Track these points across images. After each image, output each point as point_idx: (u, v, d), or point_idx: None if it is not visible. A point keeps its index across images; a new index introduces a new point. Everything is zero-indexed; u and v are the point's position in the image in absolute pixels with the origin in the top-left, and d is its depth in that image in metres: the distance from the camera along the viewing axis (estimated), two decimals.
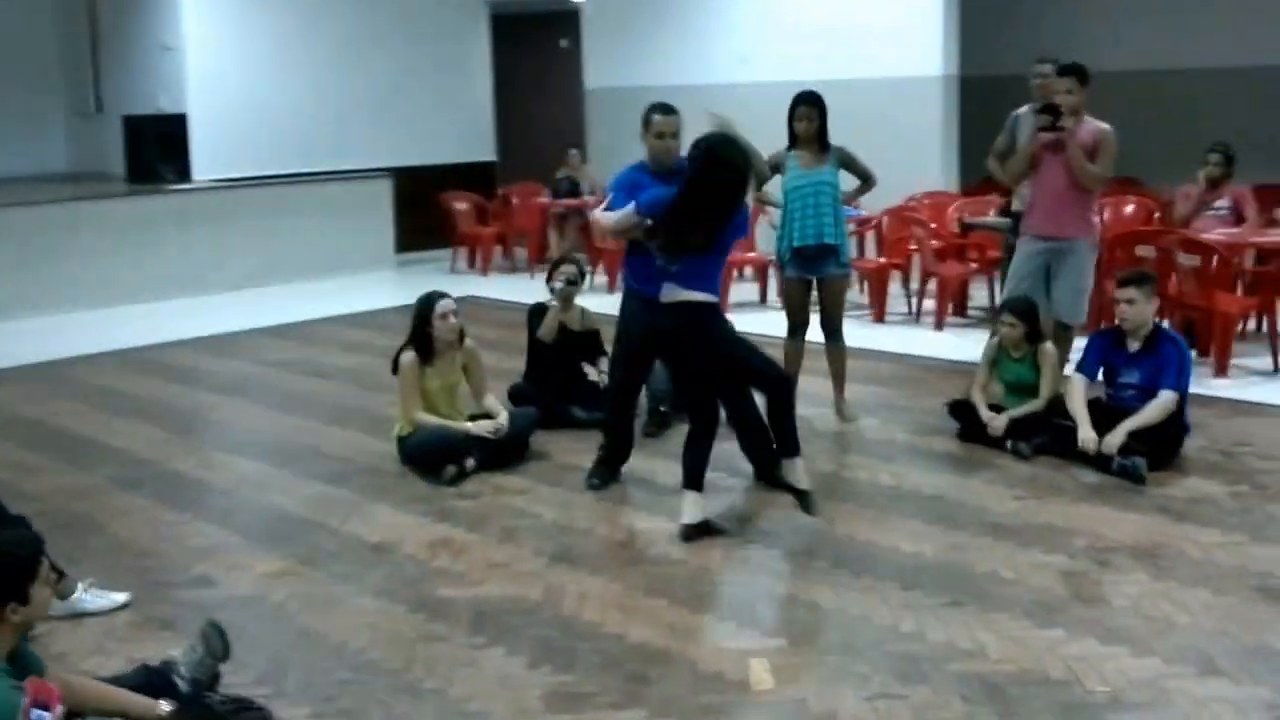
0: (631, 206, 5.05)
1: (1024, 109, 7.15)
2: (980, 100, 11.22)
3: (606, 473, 5.70)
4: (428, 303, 6.06)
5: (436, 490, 5.73)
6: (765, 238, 9.14)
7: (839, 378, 6.80)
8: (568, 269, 6.95)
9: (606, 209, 5.31)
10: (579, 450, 6.25)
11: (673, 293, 4.90)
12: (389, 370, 6.13)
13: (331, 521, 5.36)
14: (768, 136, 11.53)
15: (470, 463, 5.91)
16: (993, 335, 6.70)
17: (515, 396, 6.62)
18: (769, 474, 5.47)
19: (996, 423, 6.02)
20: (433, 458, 5.91)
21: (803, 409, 5.70)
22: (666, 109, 5.36)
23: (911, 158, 10.71)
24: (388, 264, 13.10)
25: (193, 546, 5.11)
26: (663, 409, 6.63)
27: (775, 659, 3.95)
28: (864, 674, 3.83)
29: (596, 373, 6.94)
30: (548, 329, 6.78)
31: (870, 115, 10.92)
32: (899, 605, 4.33)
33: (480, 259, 12.84)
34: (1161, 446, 5.65)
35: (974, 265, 9.24)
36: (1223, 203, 8.47)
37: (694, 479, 5.06)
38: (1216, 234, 7.88)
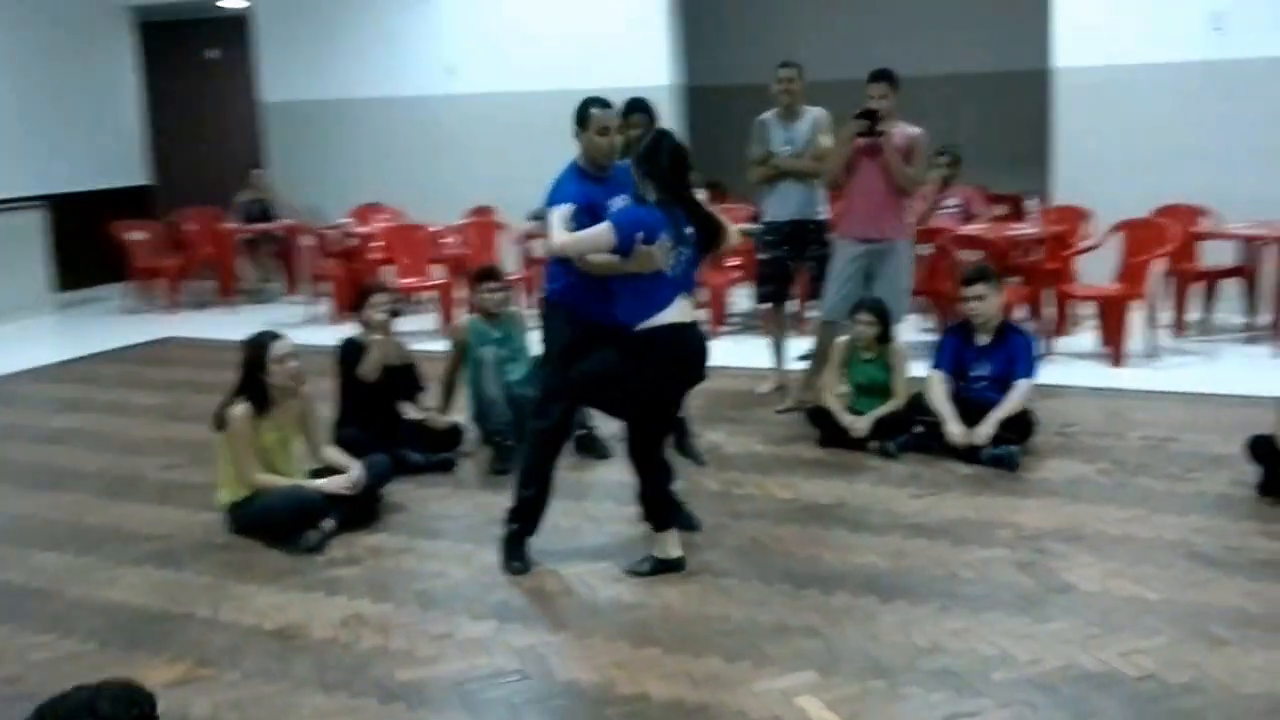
0: (608, 228, 4.48)
1: (769, 114, 7.20)
2: (708, 109, 11.43)
3: (523, 549, 4.85)
4: (261, 344, 5.31)
5: (302, 561, 5.01)
6: None
7: None
8: (382, 297, 6.34)
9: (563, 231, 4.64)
10: (433, 497, 5.75)
11: (683, 310, 4.54)
12: (138, 427, 5.38)
13: (201, 611, 4.55)
14: (477, 153, 11.38)
15: (329, 524, 5.23)
16: (816, 341, 6.77)
17: (348, 445, 5.93)
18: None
19: (860, 424, 6.05)
20: (285, 524, 5.17)
21: None
22: (604, 103, 4.87)
23: None
24: (45, 306, 11.56)
25: (40, 661, 4.17)
26: (508, 443, 6.17)
27: (819, 694, 3.70)
28: (920, 695, 3.68)
29: (418, 410, 6.39)
30: (373, 365, 6.14)
31: None
32: (895, 620, 4.20)
33: (163, 294, 11.56)
34: (1020, 434, 5.87)
35: (737, 273, 9.30)
36: (953, 202, 9.01)
37: (670, 514, 4.75)
38: (967, 229, 8.35)
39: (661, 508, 4.71)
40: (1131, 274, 7.74)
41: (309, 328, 9.69)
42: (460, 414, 6.53)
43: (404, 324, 6.90)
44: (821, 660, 3.93)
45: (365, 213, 11.22)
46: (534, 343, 6.73)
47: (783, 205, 7.09)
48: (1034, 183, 9.91)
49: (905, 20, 11.84)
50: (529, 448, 4.90)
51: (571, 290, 4.75)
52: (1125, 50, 9.06)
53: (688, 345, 4.57)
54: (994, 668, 3.83)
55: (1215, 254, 8.55)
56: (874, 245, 6.58)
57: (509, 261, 10.31)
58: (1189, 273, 8.27)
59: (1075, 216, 8.66)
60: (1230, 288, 8.61)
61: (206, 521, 5.48)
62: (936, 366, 6.14)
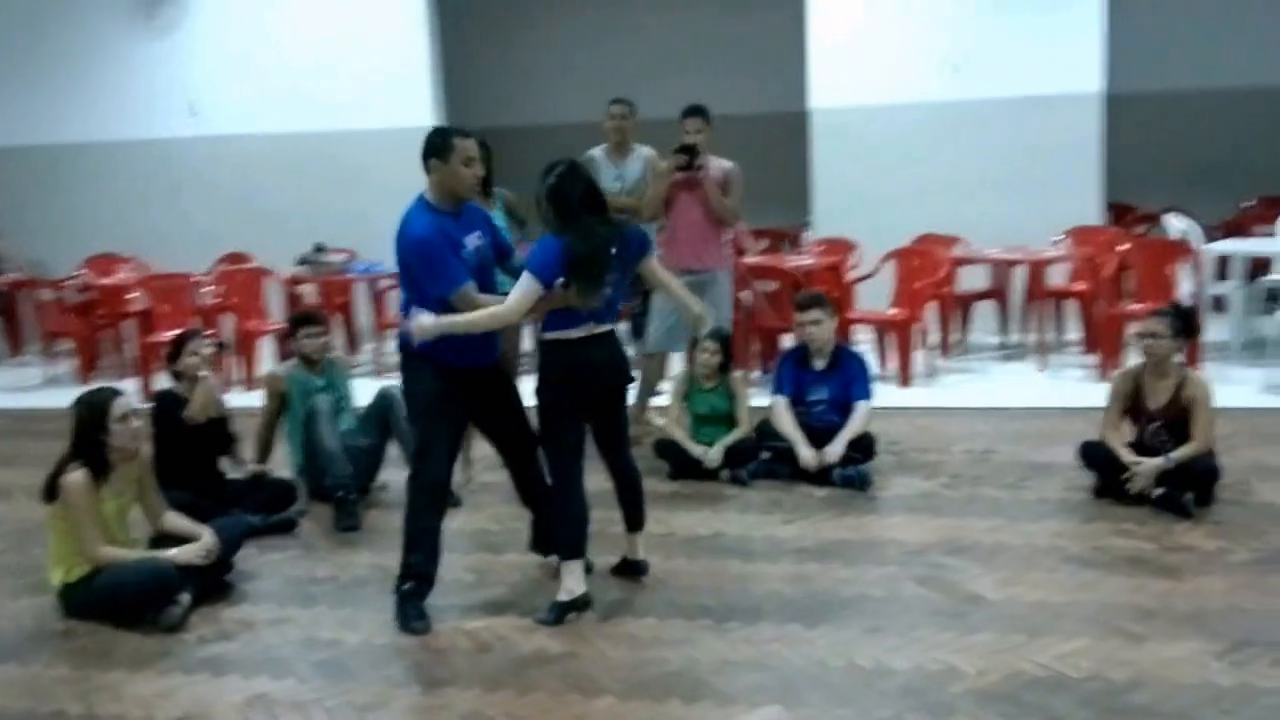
0: (531, 282, 4.31)
1: (597, 150, 7.22)
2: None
3: (421, 608, 4.53)
4: (101, 403, 4.75)
5: (167, 641, 4.50)
6: None
7: None
8: (199, 343, 5.85)
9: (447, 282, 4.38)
10: (285, 561, 5.34)
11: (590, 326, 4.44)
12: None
13: (72, 708, 4.00)
14: (224, 197, 10.69)
15: (185, 599, 4.73)
16: (641, 374, 6.76)
17: (181, 509, 5.38)
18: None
19: (713, 455, 6.08)
20: (139, 601, 4.64)
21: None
22: (465, 131, 4.59)
23: (404, 207, 10.38)
24: None
25: None
26: (351, 496, 5.81)
27: None
28: (896, 718, 3.71)
29: (236, 467, 5.92)
30: (201, 406, 5.65)
31: (359, 167, 10.51)
32: (829, 644, 4.21)
33: None
34: (864, 453, 6.08)
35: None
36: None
37: (582, 546, 4.55)
38: (759, 260, 8.61)
39: (575, 534, 4.54)
40: (910, 299, 8.20)
41: (50, 390, 8.81)
42: (281, 470, 6.11)
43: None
44: (778, 693, 3.89)
45: (105, 264, 10.31)
46: (357, 390, 6.50)
47: None
48: (798, 218, 10.36)
49: (666, 65, 12.15)
50: (412, 508, 4.60)
51: (443, 342, 4.46)
52: (873, 92, 9.64)
53: (589, 356, 4.47)
54: (948, 682, 3.91)
55: (968, 279, 9.21)
56: (696, 276, 6.63)
57: (275, 309, 9.79)
58: (950, 297, 8.85)
59: (843, 248, 9.09)
60: (983, 309, 9.29)
61: (30, 607, 4.86)
62: (777, 392, 6.27)
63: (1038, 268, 8.39)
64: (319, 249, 9.73)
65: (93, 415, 4.73)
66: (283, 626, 4.61)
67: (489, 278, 4.58)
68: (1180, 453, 5.43)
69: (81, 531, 4.67)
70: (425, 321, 4.34)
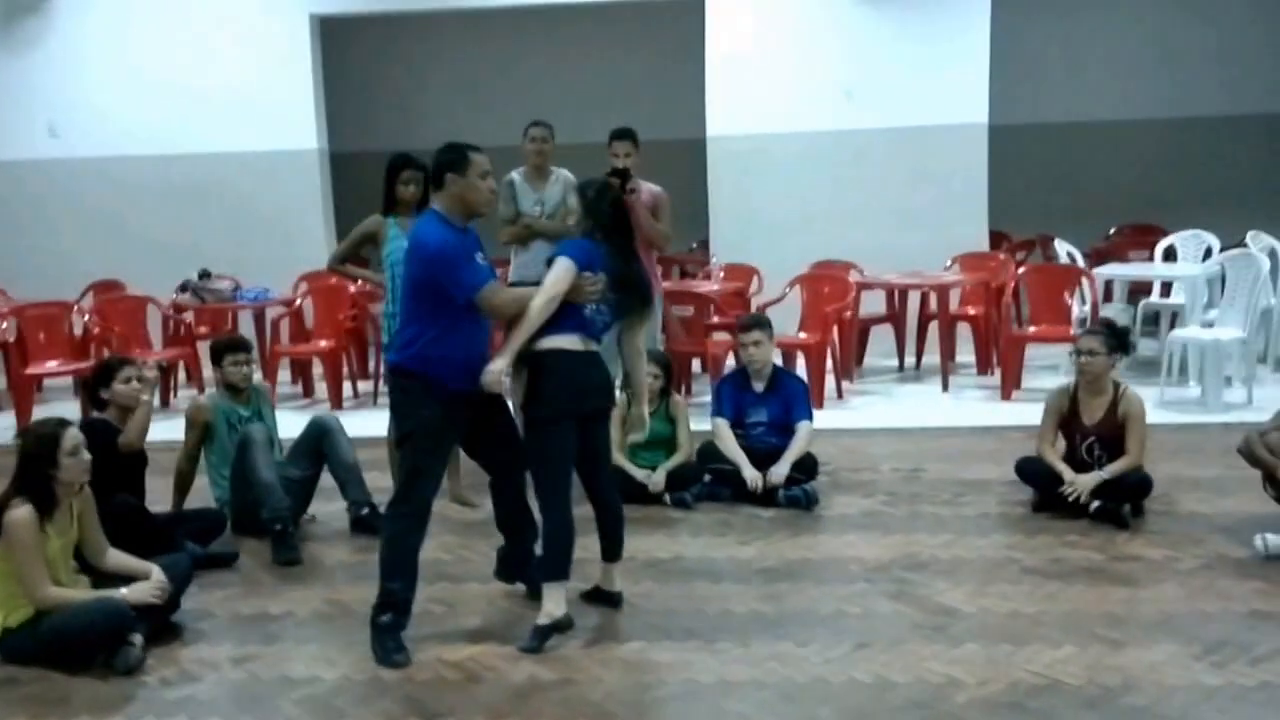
0: (569, 264, 4.36)
1: (515, 174, 7.14)
2: (354, 174, 10.99)
3: (400, 639, 4.39)
4: (53, 435, 4.45)
5: (125, 685, 4.23)
6: None
7: (457, 461, 6.28)
8: (131, 370, 5.53)
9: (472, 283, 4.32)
10: (231, 597, 5.08)
11: (576, 341, 4.43)
12: None
13: None
14: (90, 223, 10.15)
15: (138, 639, 4.45)
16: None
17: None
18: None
19: (658, 479, 6.05)
20: (91, 643, 4.35)
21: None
22: (476, 147, 4.49)
23: (290, 232, 10.11)
24: None
25: None
26: (290, 529, 5.58)
27: None
28: None
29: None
30: (139, 431, 5.35)
31: (238, 192, 10.17)
32: (825, 662, 4.23)
33: None
34: (808, 473, 6.14)
35: None
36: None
37: (566, 568, 4.46)
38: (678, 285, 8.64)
39: (559, 555, 4.44)
40: (819, 323, 8.34)
41: None
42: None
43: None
44: (790, 711, 3.89)
45: None
46: (278, 420, 6.26)
47: (531, 267, 6.91)
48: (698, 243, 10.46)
49: (566, 90, 12.11)
50: (391, 536, 4.45)
51: (429, 360, 4.36)
52: (768, 119, 9.80)
53: (575, 371, 4.42)
54: (951, 693, 3.96)
55: (864, 304, 9.41)
56: None
57: (155, 338, 9.37)
58: (852, 321, 9.04)
59: (747, 273, 9.21)
60: (880, 333, 9.51)
61: None
62: (717, 414, 6.28)
63: (941, 292, 8.64)
64: (204, 275, 9.36)
65: (41, 448, 4.43)
66: (249, 665, 4.38)
67: None
68: (1116, 466, 5.64)
69: (26, 572, 4.35)
70: (494, 367, 4.32)
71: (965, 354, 9.19)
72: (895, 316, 9.36)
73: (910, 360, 9.37)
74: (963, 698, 3.93)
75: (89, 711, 4.04)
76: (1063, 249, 9.32)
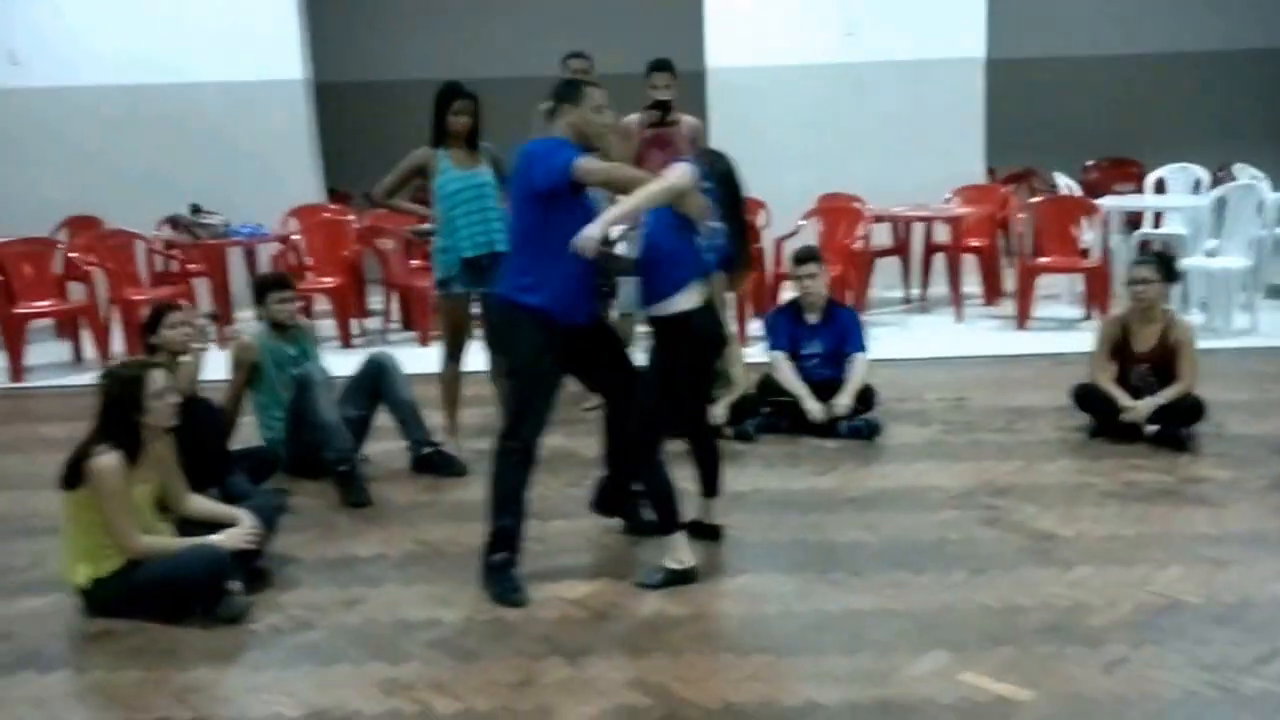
0: (690, 167, 4.15)
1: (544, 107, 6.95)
2: (338, 106, 10.66)
3: (516, 578, 4.33)
4: (136, 378, 4.25)
5: (236, 634, 4.10)
6: None
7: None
8: (179, 316, 5.36)
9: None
10: (308, 541, 4.93)
11: (698, 294, 4.28)
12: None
13: (178, 713, 3.58)
14: (60, 156, 9.68)
15: (238, 586, 4.32)
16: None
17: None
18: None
19: (718, 412, 6.00)
20: (191, 593, 4.21)
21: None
22: (591, 81, 4.41)
23: (275, 166, 9.80)
24: None
25: None
26: (357, 470, 5.44)
27: (970, 669, 3.68)
28: (1066, 652, 3.75)
29: None
30: (186, 379, 5.17)
31: (218, 123, 9.83)
32: (948, 589, 4.23)
33: None
34: (866, 404, 6.14)
35: None
36: None
37: (680, 518, 4.40)
38: None
39: (670, 509, 4.40)
40: (837, 255, 8.32)
41: None
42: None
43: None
44: (930, 638, 3.88)
45: None
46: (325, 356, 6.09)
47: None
48: None
49: (554, 21, 11.83)
50: (500, 472, 4.36)
51: (548, 297, 4.25)
52: (769, 53, 9.70)
53: (703, 330, 4.32)
54: (1084, 616, 4.00)
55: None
56: None
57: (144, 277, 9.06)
58: (863, 253, 9.03)
59: (753, 206, 9.12)
60: (882, 266, 9.53)
61: (40, 609, 4.35)
62: (774, 347, 6.25)
63: (955, 224, 8.67)
64: (195, 210, 9.05)
65: (127, 391, 4.24)
66: (360, 609, 4.27)
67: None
68: (1171, 391, 5.73)
69: (117, 521, 4.17)
70: (589, 232, 4.02)
71: (968, 285, 9.25)
72: (901, 248, 9.38)
73: (915, 292, 9.42)
74: (1097, 620, 3.97)
75: (205, 662, 3.91)
76: (1062, 181, 9.39)
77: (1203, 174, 9.58)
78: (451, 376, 5.98)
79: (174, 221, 8.97)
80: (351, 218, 9.19)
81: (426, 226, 6.12)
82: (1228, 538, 4.61)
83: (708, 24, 9.69)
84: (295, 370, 5.75)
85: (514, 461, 4.34)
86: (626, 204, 4.07)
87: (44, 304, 8.37)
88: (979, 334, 8.27)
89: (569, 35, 11.13)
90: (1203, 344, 7.68)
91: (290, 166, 9.95)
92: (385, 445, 5.92)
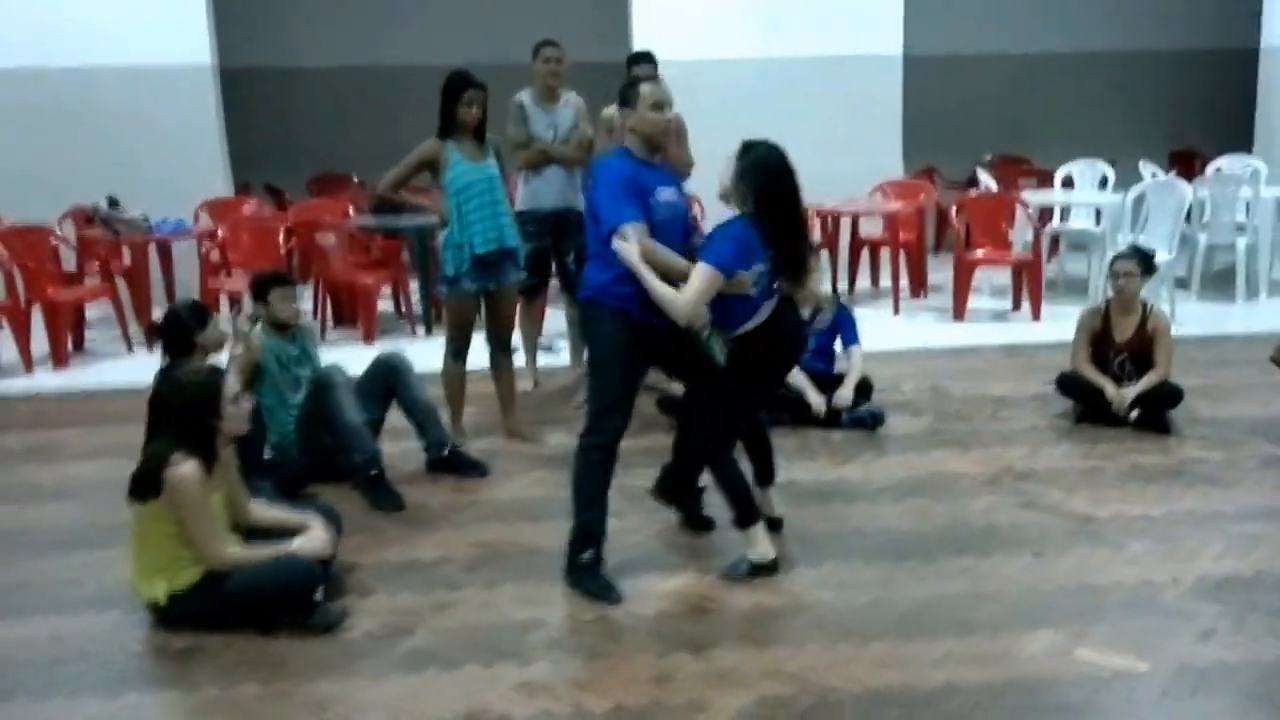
0: (711, 272, 4.10)
1: (524, 95, 6.87)
2: (239, 92, 10.24)
3: (605, 575, 4.35)
4: (214, 384, 4.07)
5: (339, 642, 3.98)
6: None
7: (512, 395, 6.10)
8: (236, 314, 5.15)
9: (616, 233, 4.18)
10: (363, 546, 4.78)
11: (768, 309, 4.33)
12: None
13: None
14: None
15: (321, 594, 4.18)
16: None
17: None
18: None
19: None
20: (279, 603, 4.06)
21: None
22: (650, 78, 4.41)
23: (180, 158, 9.36)
24: None
25: None
26: (382, 473, 5.30)
27: (1068, 647, 3.86)
28: (1153, 626, 3.97)
29: None
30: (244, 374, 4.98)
31: (120, 110, 9.34)
32: (1017, 572, 4.42)
33: None
34: (864, 395, 6.31)
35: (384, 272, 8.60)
36: None
37: (757, 509, 4.47)
38: None
39: (747, 502, 4.46)
40: None
41: None
42: None
43: None
44: (1029, 617, 4.04)
45: None
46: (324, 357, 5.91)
47: (544, 194, 6.75)
48: None
49: (474, 9, 11.60)
50: (583, 468, 4.34)
51: (628, 295, 4.25)
52: (694, 46, 9.79)
53: (781, 332, 4.40)
54: (1160, 591, 4.23)
55: None
56: None
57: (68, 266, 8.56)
58: None
59: (688, 201, 9.20)
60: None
61: (110, 624, 4.14)
62: None
63: (890, 220, 8.95)
64: (113, 204, 8.58)
65: (206, 396, 4.05)
66: (453, 613, 4.18)
67: (674, 237, 4.36)
68: (1151, 378, 6.09)
69: (201, 532, 3.99)
70: (628, 232, 4.13)
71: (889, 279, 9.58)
72: (830, 243, 9.61)
73: (843, 287, 9.66)
74: (1169, 596, 4.20)
75: (321, 673, 3.77)
76: (983, 178, 9.81)
77: (1109, 170, 10.13)
78: (457, 375, 5.88)
79: (89, 216, 8.47)
80: (268, 212, 8.91)
81: (430, 220, 6.00)
82: (1249, 514, 4.94)
83: (634, 16, 9.73)
84: (299, 370, 5.57)
85: (597, 458, 4.32)
86: (644, 273, 4.15)
87: None
88: (919, 326, 8.55)
89: (490, 24, 11.10)
90: None
91: (196, 157, 9.52)
92: (392, 447, 5.76)
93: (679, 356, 4.50)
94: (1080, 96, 13.07)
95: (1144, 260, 6.27)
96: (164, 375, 4.41)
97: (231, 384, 4.14)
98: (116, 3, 9.24)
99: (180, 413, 4.05)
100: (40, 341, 7.84)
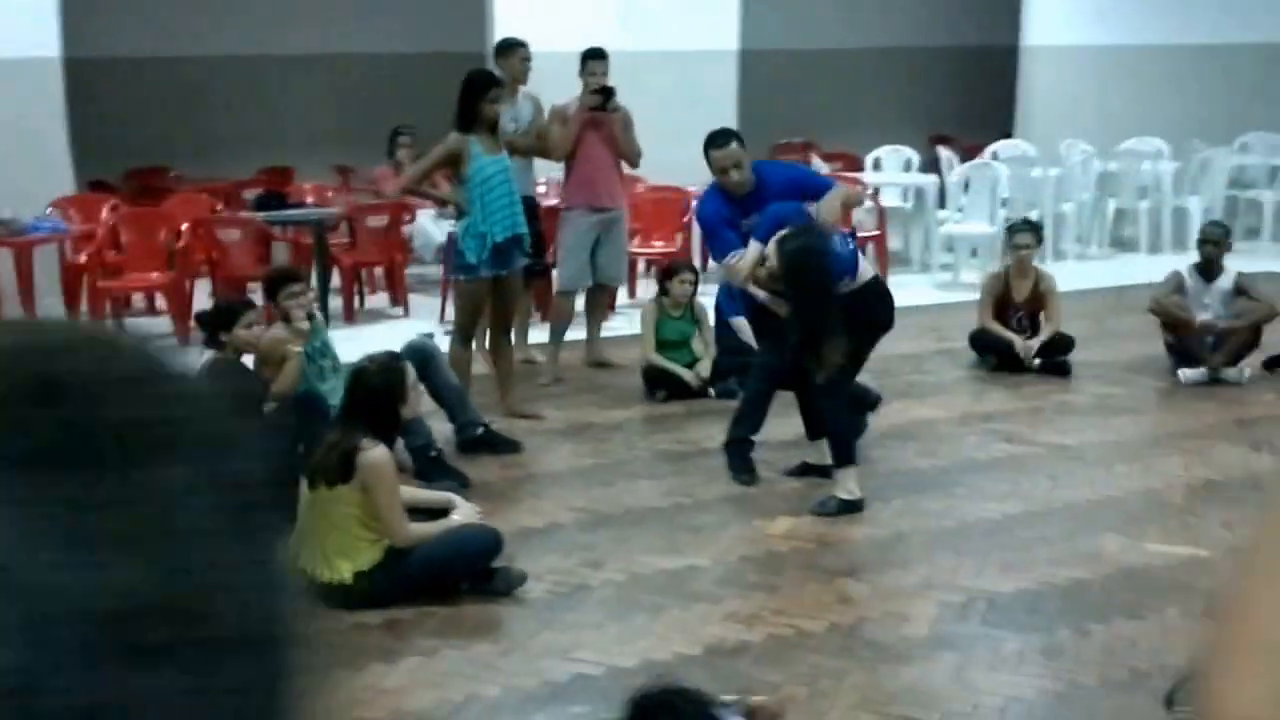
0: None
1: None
2: (88, 85, 9.68)
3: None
4: (400, 371, 4.33)
5: (520, 605, 4.25)
6: None
7: (511, 375, 6.37)
8: (253, 314, 5.16)
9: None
10: None
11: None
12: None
13: (557, 667, 3.77)
14: None
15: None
16: (554, 312, 7.00)
17: None
18: None
19: (704, 373, 6.60)
20: (466, 571, 4.30)
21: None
22: (721, 139, 5.27)
23: (17, 152, 8.82)
24: None
25: None
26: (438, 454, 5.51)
27: (1135, 543, 4.69)
28: (1193, 523, 4.89)
29: None
30: (290, 382, 5.11)
31: None
32: (1054, 490, 5.24)
33: None
34: None
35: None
36: None
37: (855, 453, 5.09)
38: None
39: (849, 445, 5.08)
40: (669, 235, 9.08)
41: None
42: None
43: None
44: (1093, 524, 4.83)
45: None
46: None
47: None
48: None
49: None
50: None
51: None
52: (551, 38, 10.15)
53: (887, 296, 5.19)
54: (1174, 494, 5.21)
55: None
56: (605, 214, 7.03)
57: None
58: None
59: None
60: None
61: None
62: (736, 315, 6.90)
63: None
64: None
65: (392, 384, 4.24)
66: (611, 568, 4.51)
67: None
68: (1049, 328, 7.13)
69: (392, 512, 4.17)
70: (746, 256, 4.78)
71: None
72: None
73: None
74: (1180, 499, 5.15)
75: (533, 630, 4.05)
76: (815, 162, 10.74)
77: (913, 154, 11.31)
78: (465, 359, 6.11)
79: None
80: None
81: (443, 209, 6.20)
82: (1183, 434, 6.00)
83: (494, 6, 10.01)
84: (323, 361, 5.67)
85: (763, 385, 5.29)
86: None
87: None
88: None
89: (344, 12, 10.98)
90: (955, 298, 9.31)
91: (41, 154, 9.00)
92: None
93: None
94: (860, 86, 14.29)
95: (1037, 232, 7.31)
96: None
97: (411, 371, 4.35)
98: None
99: (366, 398, 4.21)
100: None
